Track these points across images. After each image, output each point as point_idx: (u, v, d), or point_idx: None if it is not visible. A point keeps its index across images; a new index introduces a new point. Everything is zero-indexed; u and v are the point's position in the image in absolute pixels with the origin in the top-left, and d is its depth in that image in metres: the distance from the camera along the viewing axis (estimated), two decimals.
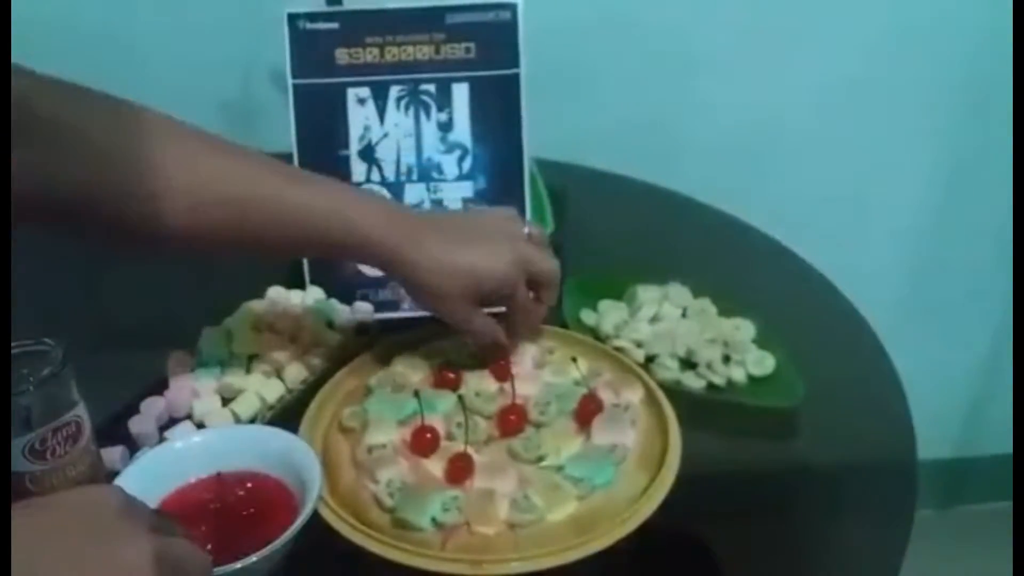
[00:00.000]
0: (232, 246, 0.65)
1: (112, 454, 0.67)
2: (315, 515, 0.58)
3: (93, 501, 0.45)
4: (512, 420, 0.68)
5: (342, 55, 0.86)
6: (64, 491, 0.49)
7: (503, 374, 0.73)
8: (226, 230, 0.63)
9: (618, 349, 0.79)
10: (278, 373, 0.77)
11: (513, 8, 0.85)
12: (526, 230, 0.72)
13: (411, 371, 0.74)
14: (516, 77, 0.86)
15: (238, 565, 0.53)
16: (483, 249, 0.68)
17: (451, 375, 0.73)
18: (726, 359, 0.79)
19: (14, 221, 0.53)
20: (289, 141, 0.86)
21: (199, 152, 0.64)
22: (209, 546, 0.55)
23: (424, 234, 0.67)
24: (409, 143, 0.87)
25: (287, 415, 0.72)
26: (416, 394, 0.69)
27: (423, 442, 0.66)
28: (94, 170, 0.58)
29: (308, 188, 0.66)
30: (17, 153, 0.53)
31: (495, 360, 0.74)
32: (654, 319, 0.83)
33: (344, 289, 0.87)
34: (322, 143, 0.86)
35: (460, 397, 0.70)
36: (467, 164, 0.88)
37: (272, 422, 0.71)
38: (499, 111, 0.87)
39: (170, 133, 0.63)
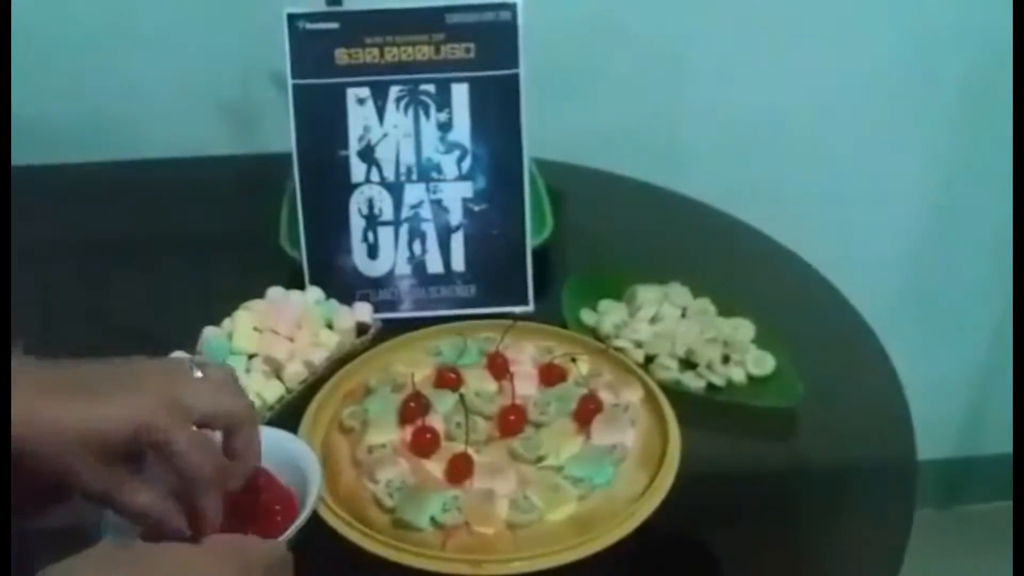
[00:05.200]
0: None
1: None
2: (315, 515, 0.58)
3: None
4: (512, 420, 0.68)
5: (342, 55, 0.86)
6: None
7: (503, 373, 0.73)
8: None
9: (618, 349, 0.79)
10: (278, 373, 0.77)
11: (513, 8, 0.85)
12: (197, 373, 0.56)
13: (411, 371, 0.74)
14: (516, 77, 0.86)
15: None
16: (110, 397, 0.51)
17: (451, 375, 0.73)
18: (726, 359, 0.79)
19: None
20: (289, 141, 0.86)
21: None
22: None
23: (39, 389, 0.50)
24: (409, 143, 0.87)
25: (287, 415, 0.72)
26: (417, 394, 0.70)
27: (423, 442, 0.66)
28: None
29: None
30: None
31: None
32: (654, 319, 0.83)
33: (344, 289, 0.87)
34: (322, 143, 0.86)
35: (460, 397, 0.70)
36: (467, 164, 0.87)
37: (272, 422, 0.71)
38: (499, 111, 0.87)
39: None
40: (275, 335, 0.79)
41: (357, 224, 0.88)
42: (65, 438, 0.49)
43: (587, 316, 0.84)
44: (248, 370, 0.76)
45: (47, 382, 0.50)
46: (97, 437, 0.50)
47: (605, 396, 0.70)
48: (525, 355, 0.76)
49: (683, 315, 0.84)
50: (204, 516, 0.53)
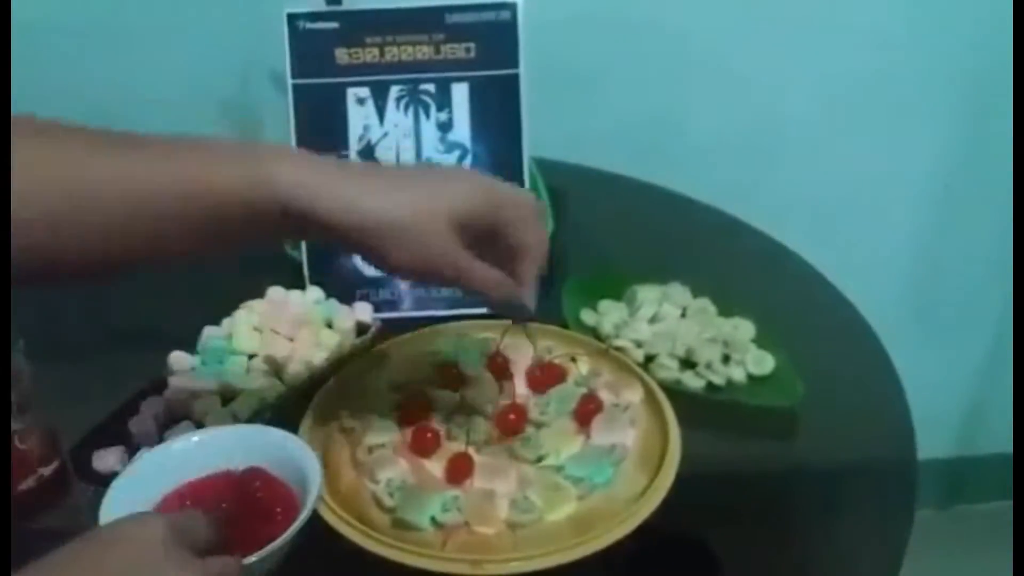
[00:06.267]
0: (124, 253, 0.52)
1: (112, 454, 0.67)
2: (315, 515, 0.58)
3: (138, 537, 0.45)
4: (512, 420, 0.68)
5: (342, 55, 0.86)
6: (110, 525, 0.48)
7: (503, 373, 0.73)
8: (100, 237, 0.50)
9: (618, 349, 0.79)
10: (278, 373, 0.77)
11: (513, 8, 0.85)
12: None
13: (411, 371, 0.74)
14: (516, 77, 0.86)
15: None
16: (445, 175, 0.57)
17: (451, 375, 0.73)
18: (726, 359, 0.79)
19: None
20: (289, 141, 0.86)
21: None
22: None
23: (365, 173, 0.55)
24: (409, 143, 0.87)
25: (287, 415, 0.72)
26: (417, 394, 0.70)
27: (423, 442, 0.66)
28: None
29: (193, 155, 0.54)
30: None
31: (519, 320, 0.65)
32: (654, 319, 0.83)
33: (344, 289, 0.87)
34: (322, 143, 0.86)
35: (461, 397, 0.70)
36: (467, 164, 0.88)
37: (272, 422, 0.71)
38: (499, 111, 0.87)
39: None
40: (275, 335, 0.79)
41: None
42: (415, 206, 0.53)
43: (587, 316, 0.84)
44: (248, 370, 0.76)
45: (384, 168, 0.57)
46: (446, 207, 0.54)
47: (605, 396, 0.70)
48: (524, 355, 0.76)
49: (683, 315, 0.84)
50: (527, 281, 0.59)
